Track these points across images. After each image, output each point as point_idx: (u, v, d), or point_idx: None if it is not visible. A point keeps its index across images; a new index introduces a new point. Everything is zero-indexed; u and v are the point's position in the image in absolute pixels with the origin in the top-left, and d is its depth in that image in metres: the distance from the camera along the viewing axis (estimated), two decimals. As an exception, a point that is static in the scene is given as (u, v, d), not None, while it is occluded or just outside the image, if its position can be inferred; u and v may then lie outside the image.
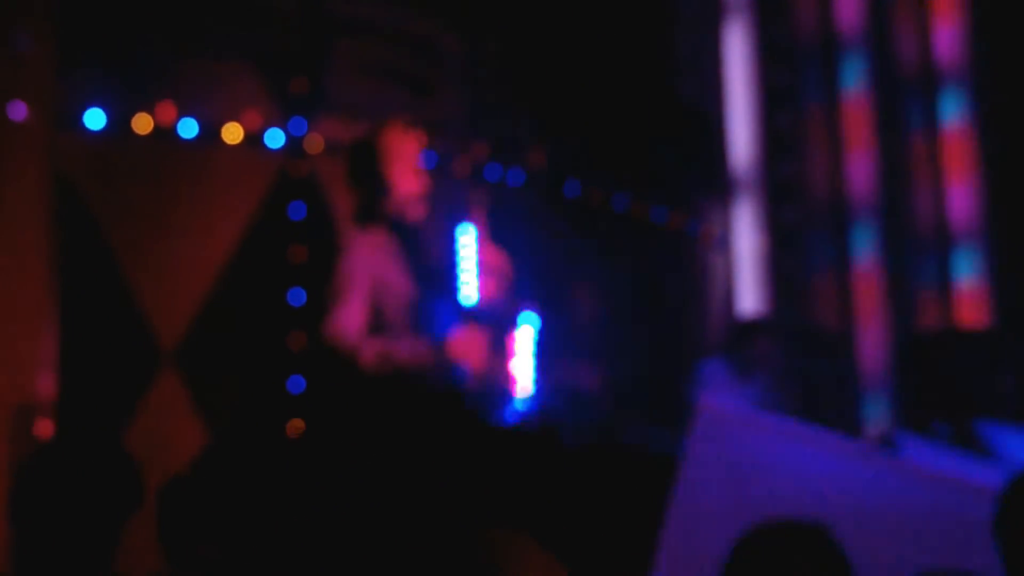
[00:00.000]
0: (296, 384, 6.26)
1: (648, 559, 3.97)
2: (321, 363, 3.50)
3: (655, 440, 6.41)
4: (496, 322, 3.46)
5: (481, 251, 3.50)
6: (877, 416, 7.44)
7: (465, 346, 3.33)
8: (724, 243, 8.48)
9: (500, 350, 3.42)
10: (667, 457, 4.29)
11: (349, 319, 3.41)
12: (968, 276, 7.57)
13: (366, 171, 3.66)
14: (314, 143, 6.51)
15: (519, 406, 3.40)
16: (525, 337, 3.48)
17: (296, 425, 6.22)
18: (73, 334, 5.85)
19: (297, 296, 6.32)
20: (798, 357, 8.16)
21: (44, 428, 5.63)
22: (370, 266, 3.48)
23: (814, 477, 3.80)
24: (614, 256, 7.58)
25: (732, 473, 3.93)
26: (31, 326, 5.74)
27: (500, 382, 3.38)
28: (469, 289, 3.46)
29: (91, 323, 5.96)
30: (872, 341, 7.88)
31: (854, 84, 8.22)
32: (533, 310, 3.49)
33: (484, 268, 3.47)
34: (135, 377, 6.06)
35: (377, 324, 3.45)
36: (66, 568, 3.04)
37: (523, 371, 3.44)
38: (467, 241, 3.49)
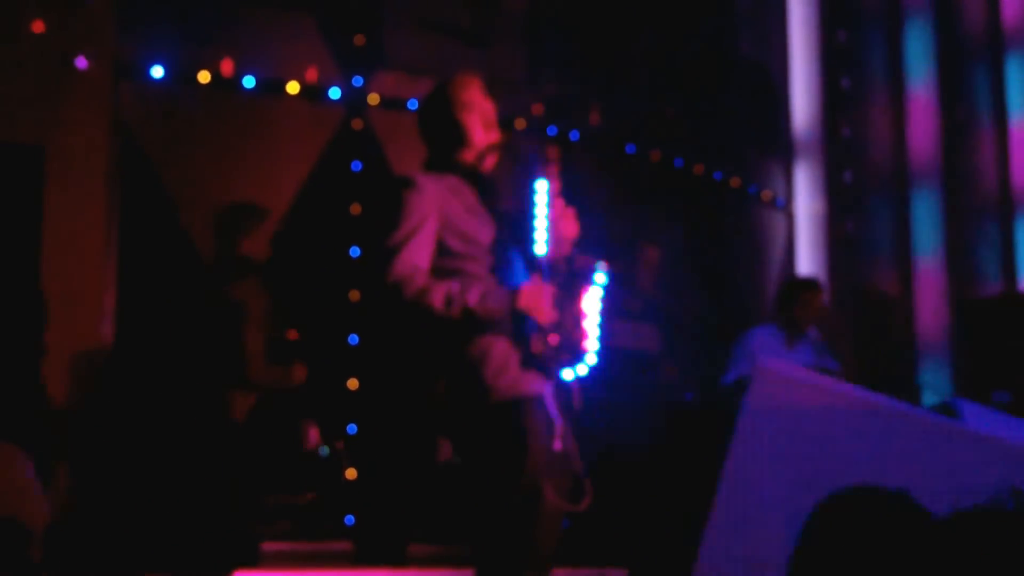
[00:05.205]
0: (354, 339, 6.29)
1: (703, 515, 3.99)
2: (383, 307, 3.29)
3: (712, 401, 6.39)
4: (566, 278, 3.38)
5: (552, 205, 3.37)
6: (936, 383, 7.38)
7: (535, 298, 3.21)
8: (784, 205, 8.42)
9: (569, 305, 3.34)
10: (725, 418, 4.29)
11: (415, 259, 3.24)
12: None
13: (440, 120, 3.48)
14: (373, 98, 6.52)
15: (587, 363, 3.33)
16: (594, 294, 3.40)
17: (353, 381, 6.25)
18: (134, 282, 5.91)
19: (356, 250, 6.34)
20: (854, 321, 8.11)
21: (104, 374, 5.70)
22: (439, 208, 3.32)
23: (873, 443, 3.78)
24: (673, 218, 7.53)
25: (789, 436, 3.92)
26: (93, 274, 5.80)
27: (569, 337, 3.30)
28: (540, 242, 3.33)
29: (151, 271, 6.00)
30: (931, 307, 7.82)
31: (918, 47, 8.13)
32: (603, 267, 3.42)
33: (555, 222, 3.37)
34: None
35: (447, 269, 3.29)
36: (133, 516, 3.08)
37: (591, 328, 3.36)
38: (540, 195, 3.37)
